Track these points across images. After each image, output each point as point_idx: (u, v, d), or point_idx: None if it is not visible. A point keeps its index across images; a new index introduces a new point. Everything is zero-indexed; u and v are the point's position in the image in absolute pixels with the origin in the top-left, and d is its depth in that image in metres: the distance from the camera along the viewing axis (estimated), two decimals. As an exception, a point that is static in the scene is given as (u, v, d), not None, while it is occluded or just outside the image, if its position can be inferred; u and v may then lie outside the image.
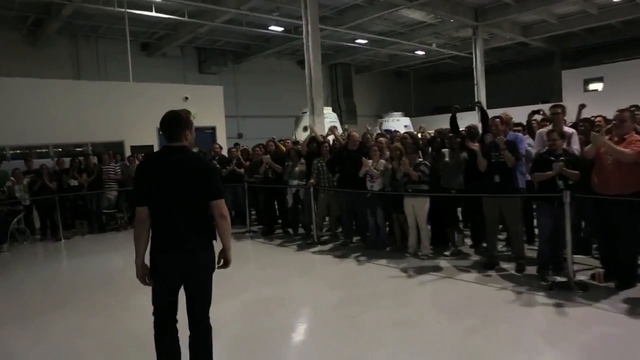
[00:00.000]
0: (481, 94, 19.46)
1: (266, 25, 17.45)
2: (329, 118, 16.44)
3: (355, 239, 7.53)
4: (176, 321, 2.97)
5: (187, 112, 3.03)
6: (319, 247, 7.39)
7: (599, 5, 17.81)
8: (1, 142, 10.86)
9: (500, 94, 22.72)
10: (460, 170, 6.08)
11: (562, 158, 4.76)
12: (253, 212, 9.62)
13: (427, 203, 6.10)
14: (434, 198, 6.15)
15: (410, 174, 6.02)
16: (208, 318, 2.99)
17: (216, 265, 2.96)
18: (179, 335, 2.96)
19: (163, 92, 12.92)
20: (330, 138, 8.50)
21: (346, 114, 24.98)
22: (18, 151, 11.27)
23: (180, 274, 2.88)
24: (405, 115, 23.12)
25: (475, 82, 19.66)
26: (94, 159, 10.30)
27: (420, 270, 5.75)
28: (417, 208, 6.12)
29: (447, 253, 6.33)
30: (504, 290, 4.83)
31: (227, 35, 19.03)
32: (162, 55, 19.40)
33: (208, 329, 2.98)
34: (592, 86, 21.03)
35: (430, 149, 6.97)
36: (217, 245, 2.96)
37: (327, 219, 8.41)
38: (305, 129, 17.78)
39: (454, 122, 6.71)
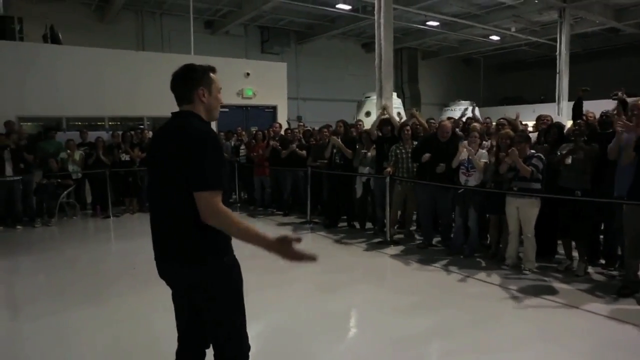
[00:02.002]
0: (564, 84, 17.54)
1: (333, 4, 16.41)
2: (394, 104, 15.39)
3: (434, 240, 6.44)
4: (199, 355, 2.17)
5: (210, 68, 2.13)
6: (391, 248, 6.35)
7: None
8: (58, 112, 10.51)
9: (583, 85, 20.63)
10: (589, 168, 4.83)
11: None
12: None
13: (538, 206, 4.91)
14: (544, 201, 4.96)
15: (520, 168, 4.83)
16: (237, 352, 2.08)
17: (228, 289, 2.03)
18: None
19: (224, 67, 12.05)
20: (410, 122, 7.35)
21: (410, 100, 23.69)
22: (74, 123, 10.91)
23: (180, 290, 2.09)
24: (474, 105, 21.55)
25: (558, 71, 17.71)
26: (149, 134, 9.71)
27: (527, 291, 4.58)
28: (523, 211, 4.94)
29: (560, 268, 5.13)
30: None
31: (291, 14, 18.16)
32: (225, 34, 18.85)
33: None
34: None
35: (543, 140, 5.67)
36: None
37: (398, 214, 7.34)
38: (368, 114, 16.77)
39: (579, 108, 5.40)
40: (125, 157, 9.02)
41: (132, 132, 9.58)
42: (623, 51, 23.13)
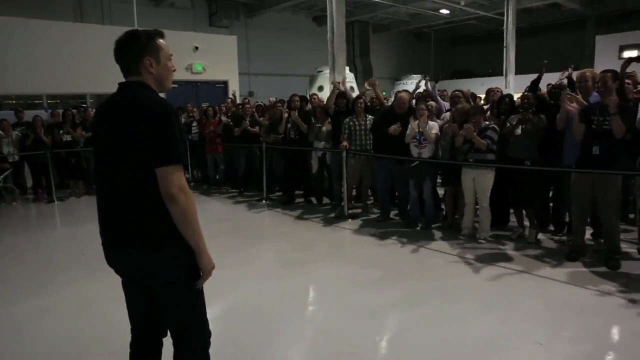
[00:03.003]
0: (511, 58, 18.02)
1: (283, -26, 15.97)
2: (347, 78, 15.31)
3: (391, 213, 6.49)
4: (156, 344, 2.07)
5: (156, 32, 1.93)
6: (349, 222, 6.35)
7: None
8: (-11, 89, 9.75)
9: (528, 59, 21.29)
10: (537, 138, 4.96)
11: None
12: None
13: (492, 177, 5.01)
14: (497, 171, 5.06)
15: (476, 142, 4.89)
16: (198, 339, 1.98)
17: (188, 274, 1.88)
18: None
19: (171, 41, 11.41)
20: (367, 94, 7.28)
21: (362, 74, 23.64)
22: (8, 101, 10.14)
23: (133, 278, 1.95)
24: (424, 78, 21.80)
25: (505, 45, 18.15)
26: (93, 112, 9.17)
27: (484, 259, 4.71)
28: (479, 182, 5.03)
29: (513, 236, 5.29)
30: (606, 296, 3.79)
31: (240, -15, 17.55)
32: (171, 6, 17.93)
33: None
34: (628, 53, 19.65)
35: (495, 111, 5.75)
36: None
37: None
38: (320, 88, 16.63)
39: (537, 82, 5.47)
40: (67, 138, 8.49)
41: (74, 111, 9.02)
42: (565, 25, 23.97)
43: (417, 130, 5.48)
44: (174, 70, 1.99)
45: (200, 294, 1.94)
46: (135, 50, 1.87)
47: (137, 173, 1.78)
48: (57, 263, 5.13)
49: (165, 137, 1.75)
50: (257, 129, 8.19)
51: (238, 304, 3.82)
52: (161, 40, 1.92)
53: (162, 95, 1.90)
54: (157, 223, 1.79)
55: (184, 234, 1.79)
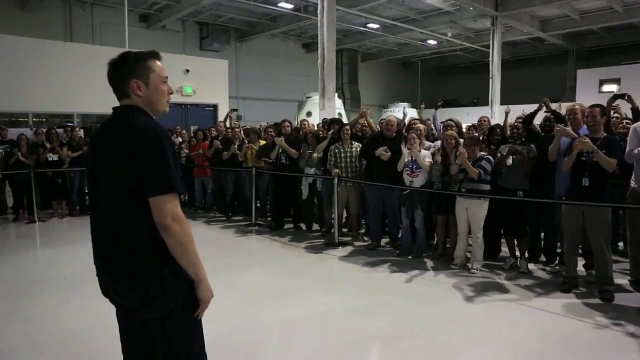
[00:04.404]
0: (496, 88, 18.44)
1: (275, 2, 16.20)
2: (336, 104, 15.45)
3: (382, 241, 6.43)
4: None
5: (149, 54, 1.85)
6: (339, 250, 6.27)
7: (625, 1, 16.98)
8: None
9: (512, 90, 21.83)
10: (528, 169, 4.99)
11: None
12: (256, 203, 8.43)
13: (486, 207, 5.00)
14: (490, 202, 5.06)
15: (469, 170, 4.90)
16: None
17: (185, 305, 1.79)
18: None
19: (163, 63, 11.59)
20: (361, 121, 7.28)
21: (350, 101, 23.98)
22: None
23: (128, 309, 1.84)
24: (412, 107, 22.17)
25: (490, 76, 18.58)
26: (80, 132, 9.04)
27: (476, 289, 4.65)
28: (473, 212, 5.02)
29: (505, 266, 5.26)
30: (602, 329, 3.75)
31: (232, 11, 17.70)
32: (162, 28, 18.03)
33: None
34: (608, 87, 20.36)
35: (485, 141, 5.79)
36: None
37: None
38: (309, 114, 16.73)
39: (534, 115, 5.50)
40: (52, 157, 8.32)
41: (60, 130, 8.87)
42: (548, 59, 24.71)
43: (408, 158, 5.48)
44: (171, 94, 1.92)
45: (198, 327, 1.84)
46: (123, 72, 1.80)
47: (129, 201, 1.70)
48: (37, 287, 4.91)
49: (158, 164, 1.68)
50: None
51: (223, 335, 3.69)
52: (154, 62, 1.84)
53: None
54: (150, 253, 1.71)
55: (182, 264, 1.71)
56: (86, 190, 8.60)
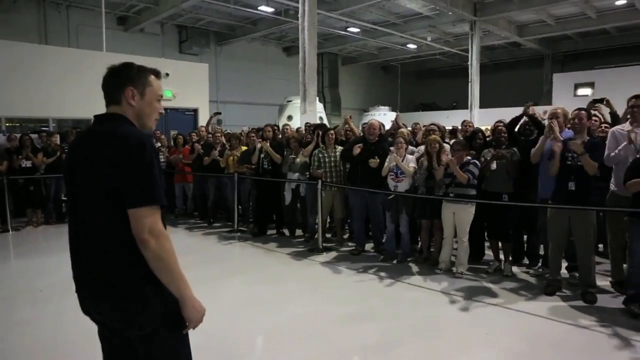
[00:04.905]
0: (475, 92, 18.67)
1: (255, 5, 16.10)
2: (317, 108, 15.43)
3: (366, 246, 6.39)
4: None
5: (152, 70, 1.82)
6: (324, 256, 6.21)
7: (598, 8, 17.41)
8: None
9: (490, 94, 22.18)
10: (513, 173, 5.02)
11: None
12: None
13: (473, 211, 5.01)
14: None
15: (458, 175, 4.90)
16: None
17: (169, 323, 1.69)
18: None
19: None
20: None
21: (331, 105, 24.00)
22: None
23: (109, 328, 1.75)
24: (392, 110, 22.35)
25: (470, 80, 18.80)
26: (56, 138, 8.79)
27: (462, 294, 4.64)
28: (460, 216, 5.02)
29: (489, 270, 5.27)
30: (587, 331, 3.77)
31: (211, 14, 17.55)
32: (140, 31, 17.75)
33: None
34: (582, 91, 20.87)
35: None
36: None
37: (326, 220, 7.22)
38: (290, 118, 16.68)
39: (519, 119, 5.53)
40: (26, 164, 8.07)
41: (35, 135, 8.62)
42: (525, 63, 25.15)
43: (393, 163, 5.46)
44: (161, 113, 1.86)
45: (185, 342, 1.76)
46: (123, 78, 1.75)
47: (110, 214, 1.62)
48: (11, 300, 4.72)
49: (139, 174, 1.60)
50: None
51: (208, 345, 3.59)
52: (154, 79, 1.81)
53: None
54: (133, 269, 1.62)
55: (163, 281, 1.61)
56: (63, 198, 8.37)
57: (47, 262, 6.00)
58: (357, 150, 5.84)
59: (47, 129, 10.04)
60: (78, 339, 3.49)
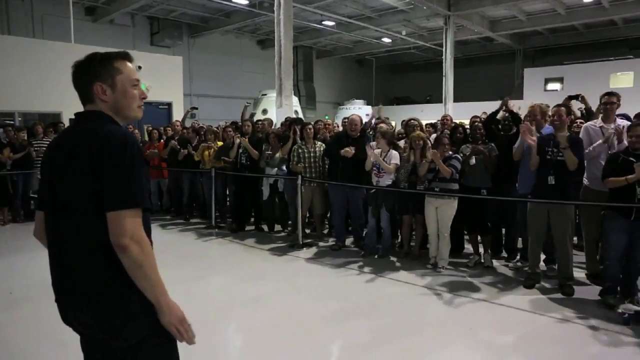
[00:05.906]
0: (449, 86, 18.89)
1: (229, -4, 15.83)
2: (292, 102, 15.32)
3: (347, 241, 6.38)
4: None
5: (118, 54, 1.68)
6: (304, 251, 6.16)
7: (567, 5, 17.83)
8: None
9: (463, 88, 22.49)
10: (491, 168, 5.07)
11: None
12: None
13: (456, 206, 5.04)
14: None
15: (442, 170, 4.91)
16: None
17: (156, 331, 1.59)
18: None
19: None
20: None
21: (305, 99, 23.85)
22: None
23: (92, 338, 1.65)
24: (367, 104, 22.41)
25: (444, 74, 19.02)
26: (24, 133, 8.44)
27: (444, 288, 4.67)
28: (442, 211, 5.04)
29: (470, 263, 5.33)
30: (567, 324, 3.85)
31: (184, 5, 17.15)
32: (110, 22, 17.20)
33: None
34: (552, 86, 21.34)
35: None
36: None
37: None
38: (264, 111, 16.52)
39: (496, 114, 5.58)
40: (-9, 160, 7.74)
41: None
42: (496, 58, 25.57)
43: (374, 160, 5.45)
44: (143, 98, 1.74)
45: (173, 349, 1.68)
46: (88, 74, 1.63)
47: (91, 218, 1.52)
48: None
49: (120, 174, 1.49)
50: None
51: (190, 348, 3.49)
52: (123, 63, 1.67)
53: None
54: (116, 276, 1.52)
55: (140, 287, 1.52)
56: (31, 195, 8.07)
57: (15, 262, 5.77)
58: (350, 152, 5.74)
59: (12, 122, 9.65)
60: (55, 346, 3.35)
